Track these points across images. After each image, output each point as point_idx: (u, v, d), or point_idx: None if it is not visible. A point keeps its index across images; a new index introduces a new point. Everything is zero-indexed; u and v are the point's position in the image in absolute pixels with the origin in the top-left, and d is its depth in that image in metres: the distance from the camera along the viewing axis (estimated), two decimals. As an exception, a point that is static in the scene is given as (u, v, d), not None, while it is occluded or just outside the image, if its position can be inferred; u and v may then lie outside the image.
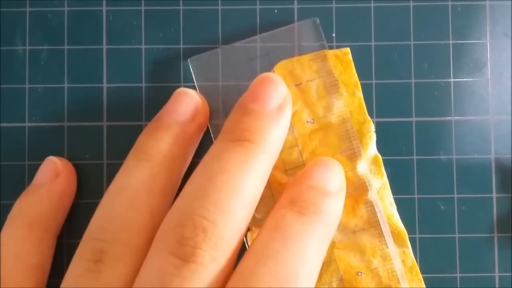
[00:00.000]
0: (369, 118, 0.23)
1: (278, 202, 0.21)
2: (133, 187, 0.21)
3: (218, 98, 0.24)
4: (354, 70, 0.24)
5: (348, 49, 0.24)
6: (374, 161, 0.23)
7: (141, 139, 0.22)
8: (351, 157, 0.23)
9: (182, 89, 0.23)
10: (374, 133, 0.23)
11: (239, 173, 0.20)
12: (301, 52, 0.24)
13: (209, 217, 0.19)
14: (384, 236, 0.23)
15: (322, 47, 0.24)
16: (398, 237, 0.23)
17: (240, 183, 0.19)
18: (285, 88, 0.22)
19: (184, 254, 0.18)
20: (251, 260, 0.19)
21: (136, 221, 0.20)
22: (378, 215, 0.23)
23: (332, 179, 0.21)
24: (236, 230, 0.19)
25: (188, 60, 0.24)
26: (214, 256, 0.18)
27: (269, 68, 0.23)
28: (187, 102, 0.22)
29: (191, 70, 0.24)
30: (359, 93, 0.23)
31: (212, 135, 0.24)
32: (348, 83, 0.23)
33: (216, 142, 0.21)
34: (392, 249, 0.23)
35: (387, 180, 0.23)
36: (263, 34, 0.24)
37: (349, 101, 0.23)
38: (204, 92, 0.24)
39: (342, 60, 0.23)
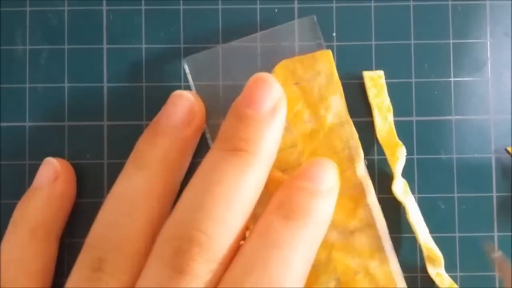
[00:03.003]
0: (399, 141, 0.23)
1: (268, 205, 0.21)
2: (132, 195, 0.21)
3: (216, 97, 0.24)
4: (387, 94, 0.24)
5: (382, 72, 0.24)
6: (404, 185, 0.24)
7: (139, 145, 0.22)
8: (350, 158, 0.23)
9: (178, 92, 0.23)
10: (405, 156, 0.23)
11: (235, 185, 0.20)
12: (299, 50, 0.24)
13: (204, 230, 0.19)
14: (381, 238, 0.23)
15: (319, 46, 0.24)
16: (433, 261, 0.23)
17: (235, 195, 0.20)
18: (279, 89, 0.21)
19: (180, 266, 0.18)
20: (239, 269, 0.19)
21: (135, 229, 0.20)
22: (377, 218, 0.23)
23: (323, 178, 0.21)
24: (232, 241, 0.19)
25: (184, 60, 0.24)
26: (210, 267, 0.19)
27: (267, 66, 0.23)
28: (183, 106, 0.22)
29: (187, 70, 0.24)
30: (391, 117, 0.24)
31: (209, 135, 0.24)
32: (381, 106, 0.24)
33: (212, 150, 0.21)
34: (389, 249, 0.23)
35: (416, 204, 0.24)
36: (260, 33, 0.24)
37: (381, 125, 0.24)
38: (201, 91, 0.24)
39: (376, 83, 0.24)
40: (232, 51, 0.24)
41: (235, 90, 0.23)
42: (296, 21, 0.24)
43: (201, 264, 0.19)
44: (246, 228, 0.20)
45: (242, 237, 0.20)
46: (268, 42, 0.24)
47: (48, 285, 0.22)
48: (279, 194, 0.21)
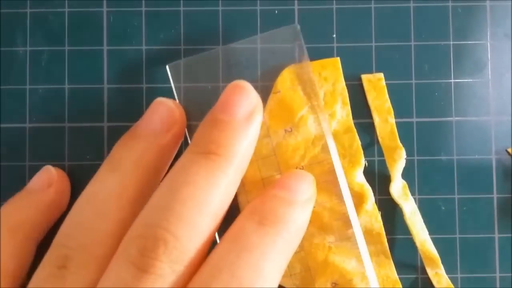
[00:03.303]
0: (400, 144, 0.23)
1: (242, 212, 0.21)
2: (103, 196, 0.21)
3: (199, 101, 0.23)
4: (387, 96, 0.24)
5: (382, 74, 0.24)
6: (403, 187, 0.24)
7: (115, 148, 0.22)
8: (350, 165, 0.23)
9: (159, 99, 0.23)
10: (404, 159, 0.23)
11: (204, 187, 0.19)
12: (281, 58, 0.23)
13: (171, 230, 0.19)
14: (383, 244, 0.23)
15: (300, 48, 0.23)
16: (431, 261, 0.23)
17: (204, 197, 0.19)
18: (256, 96, 0.21)
19: (144, 265, 0.18)
20: (206, 272, 0.19)
21: (102, 229, 0.20)
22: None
23: (299, 188, 0.21)
24: (199, 243, 0.19)
25: (167, 66, 0.23)
26: (174, 268, 0.19)
27: (248, 73, 0.23)
28: (164, 112, 0.22)
29: (170, 76, 0.23)
30: (392, 120, 0.24)
31: (189, 139, 0.23)
32: (381, 109, 0.24)
33: (185, 153, 0.21)
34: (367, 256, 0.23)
35: (415, 206, 0.24)
36: (246, 39, 0.23)
37: (381, 127, 0.24)
38: (186, 95, 0.23)
39: (375, 85, 0.24)
40: (224, 54, 0.24)
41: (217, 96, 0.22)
42: (280, 29, 0.23)
43: (165, 264, 0.18)
44: (214, 233, 0.20)
45: (211, 241, 0.20)
46: (260, 45, 0.24)
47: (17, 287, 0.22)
48: (254, 201, 0.21)
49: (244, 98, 0.21)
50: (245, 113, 0.21)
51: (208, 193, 0.19)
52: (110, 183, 0.21)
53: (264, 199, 0.20)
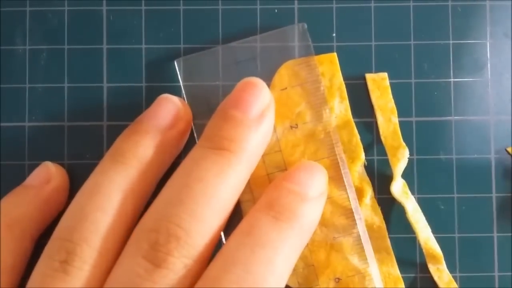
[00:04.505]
0: (403, 143, 0.24)
1: (256, 204, 0.21)
2: (106, 188, 0.21)
3: (207, 98, 0.24)
4: (391, 96, 0.24)
5: (386, 74, 0.24)
6: (402, 186, 0.24)
7: (118, 141, 0.22)
8: (350, 160, 0.23)
9: (165, 95, 0.23)
10: (407, 158, 0.24)
11: (215, 183, 0.20)
12: (289, 56, 0.23)
13: (183, 226, 0.19)
14: (385, 238, 0.23)
15: (308, 49, 0.23)
16: (434, 258, 0.23)
17: (215, 193, 0.20)
18: (268, 94, 0.22)
19: (156, 259, 0.19)
20: (220, 265, 0.19)
21: (105, 223, 0.20)
22: (359, 223, 0.23)
23: (313, 184, 0.21)
24: (209, 238, 0.20)
25: (175, 61, 0.24)
26: (185, 263, 0.19)
27: (266, 67, 0.23)
28: (169, 108, 0.22)
29: (178, 71, 0.24)
30: (395, 119, 0.24)
31: (195, 135, 0.24)
32: (384, 108, 0.24)
33: (196, 147, 0.21)
34: (370, 254, 0.23)
35: (417, 204, 0.24)
36: (252, 37, 0.24)
37: (384, 126, 0.24)
38: (191, 92, 0.24)
39: (379, 85, 0.24)
40: (224, 53, 0.24)
41: (224, 93, 0.22)
42: (287, 27, 0.24)
43: (177, 259, 0.19)
44: (222, 228, 0.21)
45: (218, 237, 0.20)
46: (260, 45, 0.24)
47: (16, 283, 0.22)
48: (268, 194, 0.21)
49: (257, 96, 0.21)
50: (258, 111, 0.21)
51: (219, 190, 0.20)
52: (113, 176, 0.21)
53: (279, 193, 0.21)
